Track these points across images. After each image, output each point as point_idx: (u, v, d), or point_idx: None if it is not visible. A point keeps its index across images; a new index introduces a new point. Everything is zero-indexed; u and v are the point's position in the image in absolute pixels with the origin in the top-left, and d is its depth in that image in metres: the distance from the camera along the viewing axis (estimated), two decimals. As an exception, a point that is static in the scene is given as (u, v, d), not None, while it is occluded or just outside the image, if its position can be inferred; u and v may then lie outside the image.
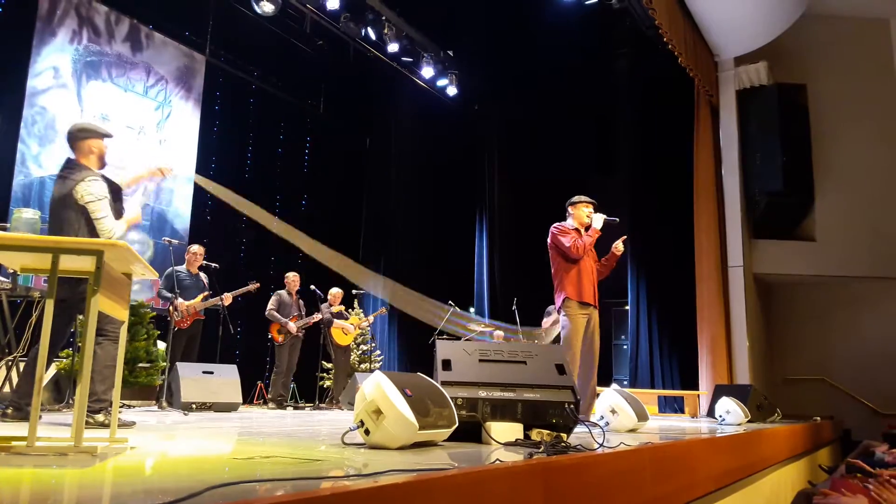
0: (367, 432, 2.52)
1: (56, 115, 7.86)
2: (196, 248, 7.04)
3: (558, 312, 5.18)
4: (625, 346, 10.75)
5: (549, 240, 5.28)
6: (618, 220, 5.35)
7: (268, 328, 8.03)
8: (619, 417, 4.35)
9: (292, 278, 8.17)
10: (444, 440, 2.84)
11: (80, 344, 5.01)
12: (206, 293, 6.83)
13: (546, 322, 8.28)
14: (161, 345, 7.08)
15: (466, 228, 12.26)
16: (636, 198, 10.34)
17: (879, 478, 4.13)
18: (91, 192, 3.71)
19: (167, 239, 7.25)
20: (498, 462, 1.95)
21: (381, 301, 11.62)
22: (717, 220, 9.44)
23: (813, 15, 9.59)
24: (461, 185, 12.41)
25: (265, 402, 8.34)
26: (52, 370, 5.89)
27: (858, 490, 3.61)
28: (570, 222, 5.28)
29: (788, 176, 9.35)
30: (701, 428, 5.42)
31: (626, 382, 10.05)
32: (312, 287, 8.38)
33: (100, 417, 3.58)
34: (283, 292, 8.06)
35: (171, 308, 6.50)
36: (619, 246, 5.33)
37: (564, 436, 3.04)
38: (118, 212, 3.88)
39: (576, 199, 5.36)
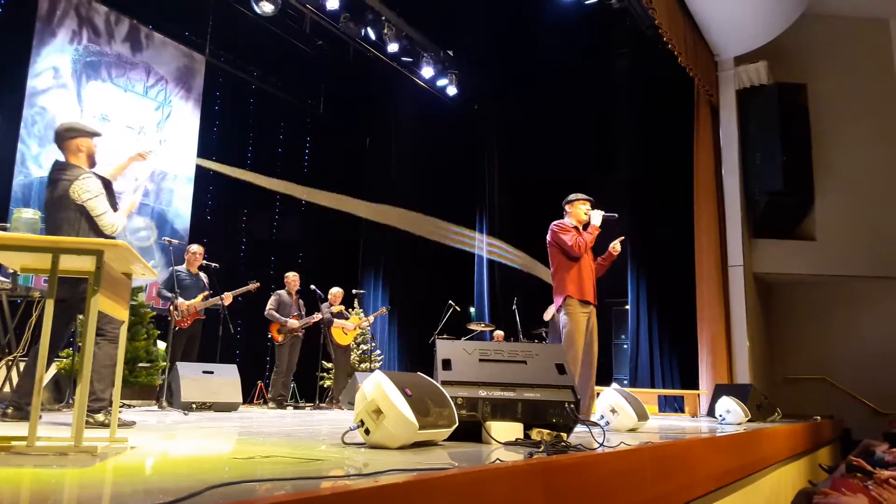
0: (367, 432, 2.52)
1: (56, 115, 7.86)
2: (196, 248, 7.04)
3: (558, 312, 5.14)
4: (625, 346, 10.75)
5: (548, 238, 5.25)
6: (616, 215, 5.32)
7: (268, 328, 8.03)
8: (619, 417, 4.35)
9: (292, 278, 8.17)
10: (445, 440, 2.84)
11: (80, 344, 5.01)
12: (206, 293, 6.83)
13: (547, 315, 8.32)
14: (161, 344, 7.08)
15: (466, 228, 12.25)
16: (636, 197, 10.34)
17: (878, 478, 4.14)
18: (88, 190, 3.70)
19: (167, 239, 7.25)
20: (498, 462, 1.95)
21: (380, 301, 11.63)
22: (717, 219, 9.44)
23: (812, 14, 9.59)
24: (461, 185, 12.41)
25: (265, 402, 8.34)
26: (53, 370, 5.89)
27: (859, 489, 3.62)
28: (568, 221, 5.26)
29: (788, 175, 9.35)
30: (701, 427, 5.42)
31: (626, 382, 10.05)
32: (313, 287, 8.38)
33: (100, 417, 3.59)
34: (282, 292, 8.06)
35: (171, 308, 6.50)
36: (616, 246, 5.31)
37: (564, 435, 3.04)
38: (114, 206, 3.87)
39: (572, 197, 5.34)
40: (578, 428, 3.41)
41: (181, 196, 9.38)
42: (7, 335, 5.25)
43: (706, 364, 8.96)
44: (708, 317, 9.10)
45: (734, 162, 9.61)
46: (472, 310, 11.62)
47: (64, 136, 3.83)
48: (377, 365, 10.11)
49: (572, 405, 3.15)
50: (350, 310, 9.41)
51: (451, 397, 2.92)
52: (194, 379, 5.96)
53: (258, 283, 7.40)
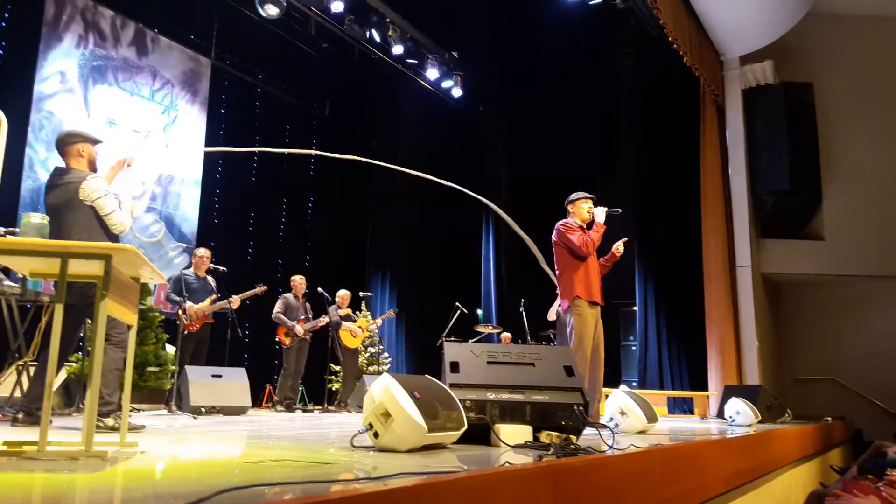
0: (375, 435, 2.52)
1: (63, 119, 7.89)
2: (203, 252, 7.05)
3: (565, 313, 5.10)
4: (633, 348, 10.72)
5: (554, 238, 5.20)
6: (620, 210, 5.27)
7: (275, 331, 8.04)
8: (628, 419, 4.33)
9: (298, 281, 8.18)
10: (453, 443, 2.83)
11: (88, 348, 5.03)
12: (214, 296, 6.84)
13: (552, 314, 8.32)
14: (170, 348, 7.10)
15: (473, 230, 12.25)
16: (642, 198, 10.31)
17: (889, 479, 4.11)
18: (97, 189, 3.73)
19: (175, 242, 7.26)
20: (507, 464, 1.95)
21: (388, 303, 11.63)
22: (724, 219, 9.41)
23: (818, 13, 9.55)
24: (467, 186, 12.38)
25: (274, 405, 8.35)
26: (63, 374, 5.91)
27: (870, 491, 3.59)
28: (572, 220, 5.20)
29: (796, 175, 9.31)
30: (711, 429, 5.40)
31: (634, 384, 10.01)
32: (320, 290, 8.39)
33: (109, 421, 3.60)
34: (289, 295, 8.07)
35: (179, 312, 6.51)
36: (619, 247, 5.27)
37: (574, 438, 3.04)
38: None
39: (573, 196, 5.30)
40: (587, 430, 3.40)
41: (188, 199, 9.40)
42: (17, 340, 5.28)
43: (715, 365, 8.93)
44: (716, 317, 9.06)
45: (741, 162, 9.57)
46: (480, 312, 11.60)
47: (65, 142, 3.88)
48: (385, 368, 10.11)
49: (581, 407, 3.14)
50: (357, 313, 9.41)
51: (460, 400, 2.92)
52: (203, 383, 5.98)
53: (265, 287, 7.41)
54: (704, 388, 8.99)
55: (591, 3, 9.60)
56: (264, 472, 1.91)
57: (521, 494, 1.78)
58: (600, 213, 5.15)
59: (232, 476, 1.90)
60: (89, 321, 3.94)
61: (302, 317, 7.96)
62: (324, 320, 8.17)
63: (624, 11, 9.51)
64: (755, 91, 9.78)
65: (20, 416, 3.69)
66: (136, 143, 8.78)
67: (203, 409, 5.77)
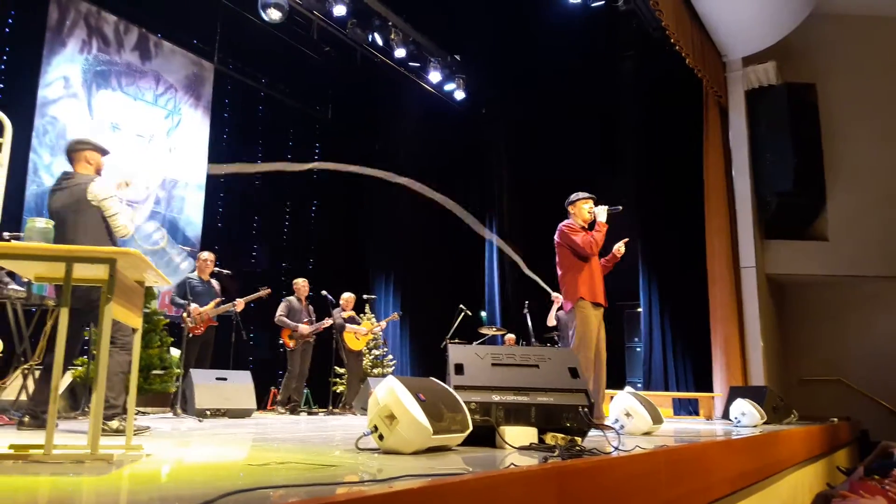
0: (380, 437, 2.52)
1: (67, 124, 7.92)
2: (207, 255, 7.07)
3: (568, 314, 5.08)
4: (638, 349, 10.70)
5: (556, 239, 5.17)
6: (620, 207, 5.24)
7: (280, 334, 8.05)
8: (633, 420, 4.33)
9: (301, 284, 8.19)
10: (458, 445, 2.83)
11: (94, 352, 5.04)
12: (218, 300, 6.85)
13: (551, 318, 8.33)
14: (175, 352, 7.11)
15: (476, 232, 12.25)
16: (646, 200, 10.30)
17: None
18: (104, 189, 3.81)
19: (179, 246, 7.28)
20: (512, 466, 1.95)
21: (392, 306, 11.63)
22: (728, 221, 9.39)
23: (821, 14, 9.54)
24: (470, 189, 12.42)
25: (276, 406, 8.35)
26: (68, 378, 5.93)
27: (877, 492, 3.58)
28: (574, 221, 5.18)
29: (799, 176, 9.30)
30: (716, 430, 5.39)
31: (639, 385, 9.99)
32: (324, 292, 8.39)
33: (114, 424, 3.60)
34: (292, 298, 8.08)
35: (184, 315, 6.53)
36: (620, 248, 5.26)
37: (579, 439, 3.03)
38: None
39: (573, 197, 5.28)
40: (593, 432, 3.39)
41: (192, 203, 9.42)
42: (22, 344, 5.30)
43: (720, 366, 8.91)
44: (721, 318, 9.05)
45: (744, 163, 9.56)
46: (484, 314, 11.60)
47: (75, 148, 3.97)
48: (389, 370, 10.11)
49: (586, 409, 3.14)
50: (362, 315, 9.41)
51: (465, 402, 2.92)
52: (208, 386, 5.99)
53: (269, 290, 7.42)
54: (709, 389, 8.97)
55: (592, 5, 9.60)
56: (269, 475, 1.91)
57: (527, 496, 1.77)
58: (602, 213, 5.14)
59: (237, 479, 1.90)
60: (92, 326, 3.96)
61: (305, 319, 7.97)
62: (327, 322, 8.18)
63: (626, 13, 9.51)
64: (758, 92, 9.77)
65: (26, 419, 3.70)
66: (140, 147, 8.81)
67: (208, 412, 5.77)
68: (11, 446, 2.28)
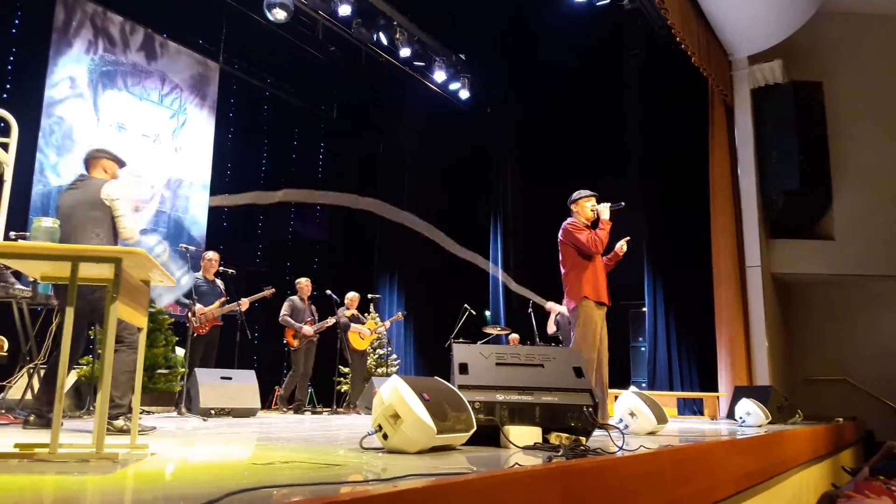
0: (385, 437, 2.52)
1: (73, 124, 7.95)
2: (211, 255, 7.09)
3: (571, 313, 5.07)
4: (643, 348, 10.69)
5: (560, 237, 5.14)
6: (623, 203, 5.21)
7: (284, 333, 8.07)
8: (638, 420, 4.32)
9: (304, 284, 8.20)
10: (463, 444, 2.83)
11: (99, 351, 5.06)
12: (223, 299, 6.87)
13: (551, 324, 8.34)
14: (180, 351, 7.13)
15: (481, 231, 12.26)
16: (651, 199, 10.29)
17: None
18: (117, 190, 3.89)
19: (184, 245, 7.30)
20: (517, 466, 1.94)
21: (396, 305, 11.64)
22: (733, 219, 9.37)
23: (828, 12, 9.50)
24: (475, 188, 12.41)
25: (277, 402, 8.37)
26: (73, 377, 5.95)
27: (882, 492, 3.57)
28: (578, 220, 5.17)
29: (805, 174, 9.25)
30: (721, 430, 5.38)
31: (644, 385, 9.98)
32: (328, 291, 8.41)
33: (119, 423, 3.62)
34: (295, 298, 8.10)
35: (189, 314, 6.54)
36: (622, 247, 5.24)
37: (583, 439, 3.03)
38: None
39: (576, 195, 5.26)
40: (597, 432, 3.39)
41: (197, 203, 9.45)
42: (28, 343, 5.31)
43: (725, 366, 8.88)
44: (726, 318, 9.02)
45: (750, 162, 9.53)
46: (488, 313, 11.60)
47: (94, 155, 4.09)
48: (394, 369, 10.12)
49: (591, 408, 3.13)
50: (366, 314, 9.42)
51: (469, 401, 2.91)
52: (213, 385, 6.00)
53: (274, 289, 7.44)
54: (714, 388, 8.95)
55: (598, 4, 9.58)
56: (274, 474, 1.92)
57: (531, 496, 1.77)
58: (605, 211, 5.11)
59: (242, 478, 1.90)
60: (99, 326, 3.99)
61: (308, 319, 7.99)
62: (330, 321, 8.20)
63: (631, 12, 9.50)
64: (764, 91, 9.73)
65: (31, 418, 3.72)
66: (146, 147, 8.83)
67: (213, 411, 5.78)
68: (17, 445, 2.29)
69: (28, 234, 4.79)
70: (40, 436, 2.71)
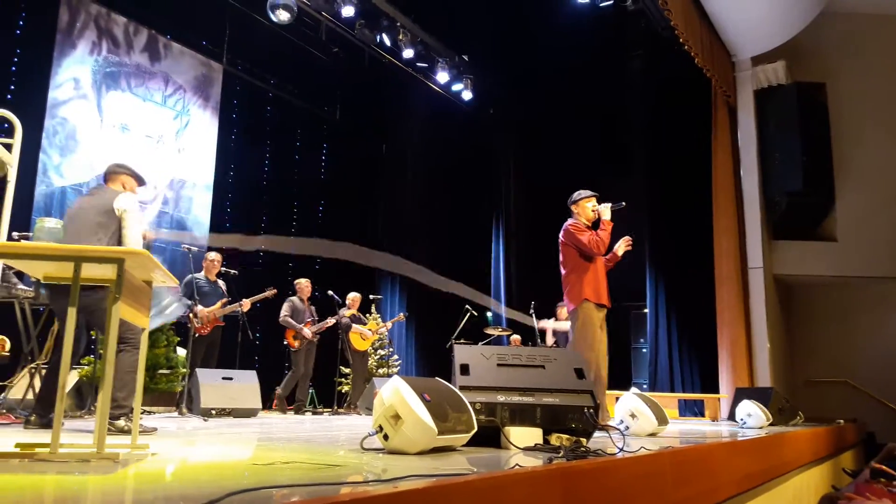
0: (385, 437, 2.52)
1: (77, 125, 7.97)
2: (213, 256, 7.09)
3: (572, 314, 5.05)
4: (644, 350, 10.68)
5: (561, 238, 5.11)
6: (624, 203, 5.18)
7: (285, 334, 8.07)
8: (638, 421, 4.32)
9: (304, 284, 8.21)
10: (463, 445, 2.83)
11: (101, 351, 5.07)
12: (224, 300, 6.87)
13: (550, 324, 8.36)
14: (181, 351, 7.13)
15: (483, 232, 12.26)
16: (653, 200, 10.28)
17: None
18: (132, 202, 3.94)
19: (186, 246, 7.30)
20: (517, 467, 1.95)
21: (398, 306, 11.63)
22: (736, 221, 9.36)
23: (831, 12, 9.49)
24: (478, 189, 12.41)
25: (276, 400, 8.38)
26: (74, 377, 5.96)
27: (883, 494, 3.56)
28: (579, 221, 5.15)
29: (808, 175, 9.24)
30: (722, 431, 5.37)
31: (645, 386, 9.97)
32: (330, 292, 8.41)
33: (120, 423, 3.62)
34: (295, 298, 8.10)
35: (190, 315, 6.55)
36: (622, 248, 5.23)
37: (584, 440, 3.03)
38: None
39: (576, 196, 5.23)
40: (598, 433, 3.39)
41: (200, 204, 9.46)
42: (30, 343, 5.33)
43: (726, 367, 8.87)
44: (728, 319, 9.01)
45: (753, 163, 9.52)
46: (490, 315, 11.60)
47: (114, 170, 4.16)
48: (395, 370, 10.12)
49: (591, 410, 3.13)
50: (368, 315, 9.43)
51: (470, 402, 2.92)
52: (214, 385, 6.01)
53: (275, 290, 7.44)
54: (715, 390, 8.94)
55: (601, 5, 9.58)
56: (275, 474, 1.92)
57: (531, 497, 1.77)
58: (606, 211, 5.08)
59: (242, 478, 1.91)
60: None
61: (308, 319, 7.99)
62: (330, 321, 8.20)
63: (634, 13, 9.49)
64: (767, 92, 9.72)
65: (33, 418, 3.73)
66: (149, 148, 8.84)
67: (214, 412, 5.79)
68: (18, 445, 2.29)
69: (31, 234, 4.81)
70: (41, 436, 2.71)
